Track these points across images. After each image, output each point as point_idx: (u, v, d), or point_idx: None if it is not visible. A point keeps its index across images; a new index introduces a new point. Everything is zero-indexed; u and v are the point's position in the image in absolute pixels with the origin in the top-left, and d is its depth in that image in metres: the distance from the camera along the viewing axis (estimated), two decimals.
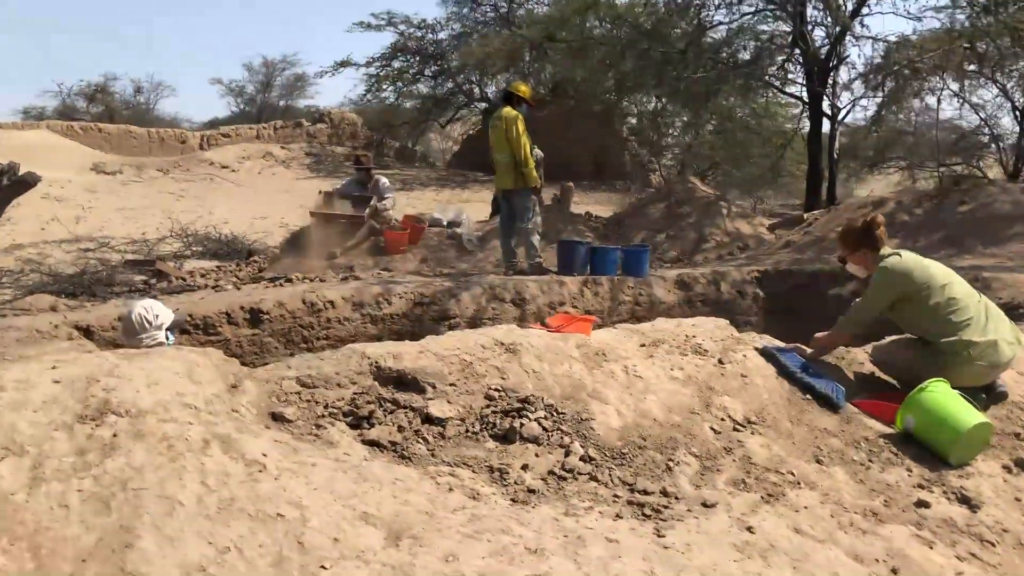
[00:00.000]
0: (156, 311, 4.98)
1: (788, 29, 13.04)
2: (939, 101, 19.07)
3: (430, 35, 28.27)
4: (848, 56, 12.62)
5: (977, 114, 22.43)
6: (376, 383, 4.23)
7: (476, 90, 30.14)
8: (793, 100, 15.71)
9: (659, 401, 4.48)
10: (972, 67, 14.74)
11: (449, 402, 4.18)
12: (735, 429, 4.43)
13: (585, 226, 11.97)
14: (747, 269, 9.85)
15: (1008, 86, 20.28)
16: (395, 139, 31.48)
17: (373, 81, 28.52)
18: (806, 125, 15.64)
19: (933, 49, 12.83)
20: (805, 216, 12.33)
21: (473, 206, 20.21)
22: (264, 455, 3.18)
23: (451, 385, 4.27)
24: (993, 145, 23.58)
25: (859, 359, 5.55)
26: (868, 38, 13.04)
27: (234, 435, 3.33)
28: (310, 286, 8.04)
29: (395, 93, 29.31)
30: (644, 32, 13.58)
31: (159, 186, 22.91)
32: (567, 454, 4.01)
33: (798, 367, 5.04)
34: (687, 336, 5.34)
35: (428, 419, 4.03)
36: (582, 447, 4.03)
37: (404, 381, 4.26)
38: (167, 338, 5.07)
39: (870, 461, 4.39)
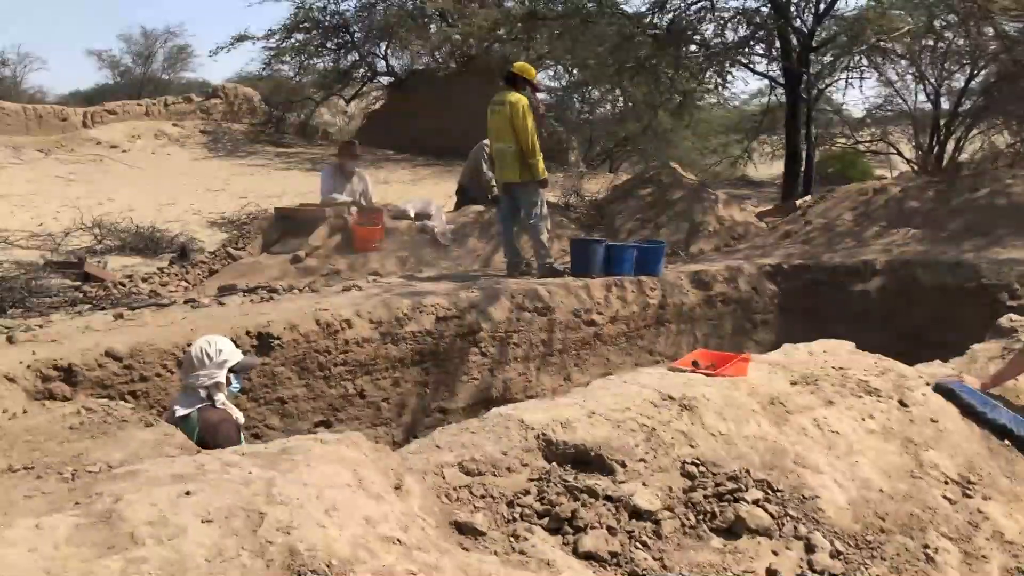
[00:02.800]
0: (220, 346, 4.17)
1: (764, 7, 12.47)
2: (861, 75, 19.00)
3: (332, 5, 26.66)
4: (834, 34, 12.12)
5: (892, 87, 22.71)
6: (553, 464, 3.30)
7: (382, 63, 28.73)
8: (765, 80, 15.23)
9: (872, 465, 3.71)
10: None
11: (645, 484, 3.29)
12: (965, 495, 3.70)
13: (565, 216, 11.12)
14: (759, 263, 9.23)
15: (922, 63, 20.49)
16: (294, 114, 29.73)
17: (272, 55, 26.74)
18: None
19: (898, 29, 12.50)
20: (797, 204, 11.84)
21: (393, 188, 19.08)
22: None
23: (640, 461, 3.37)
24: (908, 123, 23.99)
25: None
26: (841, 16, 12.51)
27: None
28: (309, 299, 6.91)
29: (296, 67, 27.60)
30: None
31: (44, 169, 20.74)
32: (810, 548, 3.20)
33: (982, 405, 4.35)
34: (839, 369, 4.60)
35: (636, 513, 3.14)
36: (825, 538, 3.22)
37: (585, 460, 3.34)
38: (229, 381, 4.21)
39: None
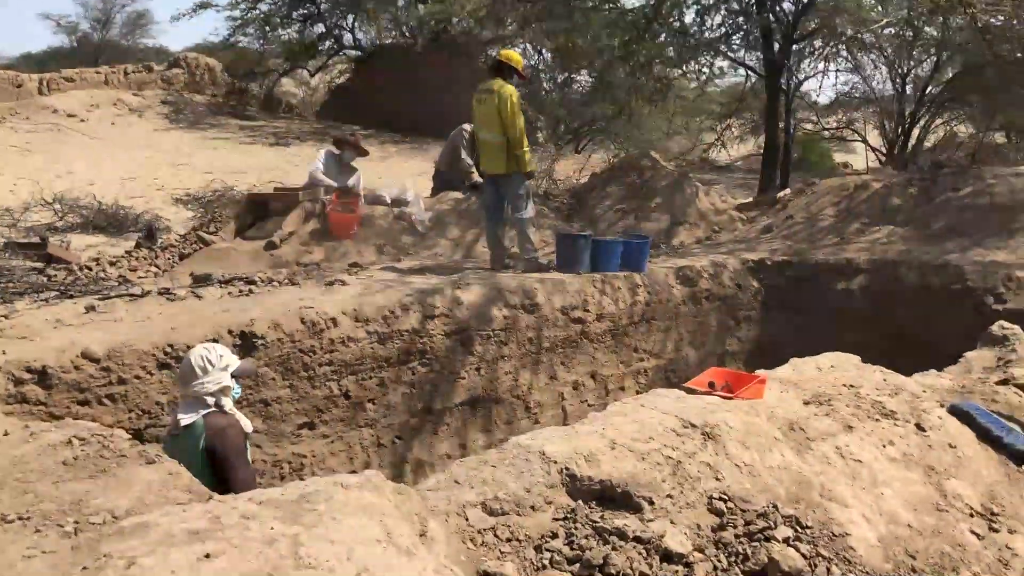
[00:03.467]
0: (220, 351, 3.98)
1: None
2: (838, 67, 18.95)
3: None
4: (818, 26, 12.00)
5: (861, 75, 22.82)
6: (578, 502, 3.14)
7: (348, 36, 28.14)
8: (744, 71, 15.10)
9: (898, 497, 3.61)
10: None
11: (673, 523, 3.15)
12: (992, 529, 3.62)
13: (545, 205, 10.92)
14: (742, 258, 9.13)
15: (891, 53, 20.56)
16: (257, 86, 29.03)
17: (236, 25, 26.05)
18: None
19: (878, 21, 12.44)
20: (778, 197, 11.75)
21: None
22: None
23: (668, 497, 3.23)
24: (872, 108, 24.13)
25: None
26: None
27: None
28: (292, 295, 6.66)
29: (260, 37, 26.91)
30: None
31: None
32: None
33: (999, 429, 4.27)
34: (851, 388, 4.51)
35: (668, 556, 2.99)
36: None
37: (611, 496, 3.19)
38: (232, 385, 3.98)
39: None
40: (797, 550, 3.13)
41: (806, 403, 4.32)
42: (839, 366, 4.94)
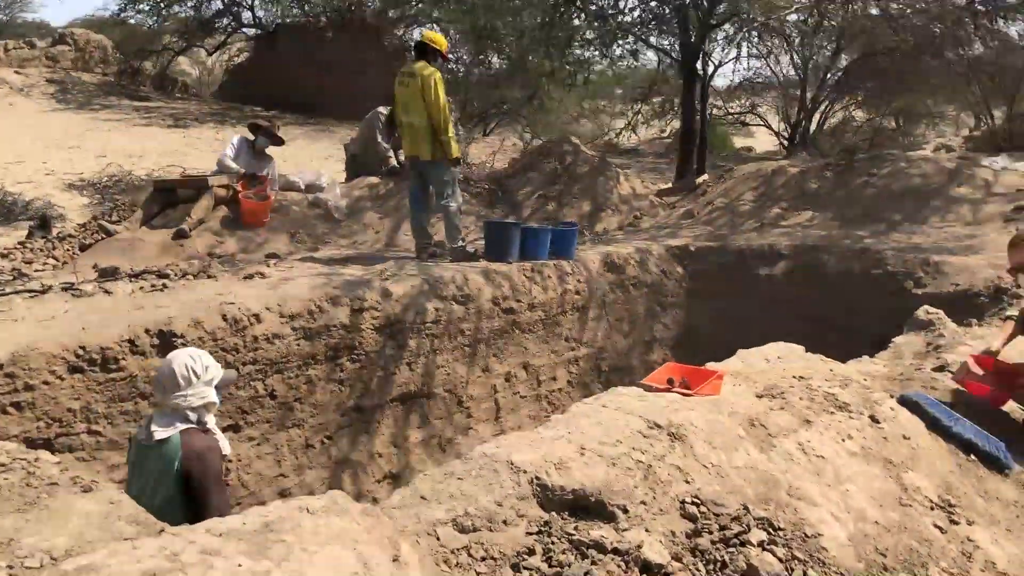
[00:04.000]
0: (205, 361, 3.57)
1: None
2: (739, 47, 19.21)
3: None
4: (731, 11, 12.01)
5: (765, 60, 23.25)
6: (552, 514, 2.98)
7: (248, 14, 27.16)
8: (660, 55, 15.03)
9: (862, 493, 3.57)
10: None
11: (648, 531, 3.03)
12: (952, 521, 3.61)
13: (466, 191, 10.67)
14: (666, 245, 9.10)
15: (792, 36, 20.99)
16: (150, 65, 27.78)
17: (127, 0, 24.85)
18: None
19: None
20: (698, 182, 11.78)
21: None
22: None
23: (641, 504, 3.10)
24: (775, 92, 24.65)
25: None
26: None
27: None
28: (209, 289, 6.28)
29: (153, 14, 25.73)
30: None
31: None
32: None
33: (948, 419, 4.28)
34: (801, 379, 4.47)
35: (647, 568, 2.87)
36: None
37: (585, 506, 3.04)
38: (217, 401, 3.60)
39: None
40: (773, 554, 3.05)
41: (759, 396, 4.26)
42: (786, 357, 4.91)
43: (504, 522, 2.87)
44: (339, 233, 9.60)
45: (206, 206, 9.13)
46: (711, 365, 4.69)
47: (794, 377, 4.51)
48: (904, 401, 4.37)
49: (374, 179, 10.49)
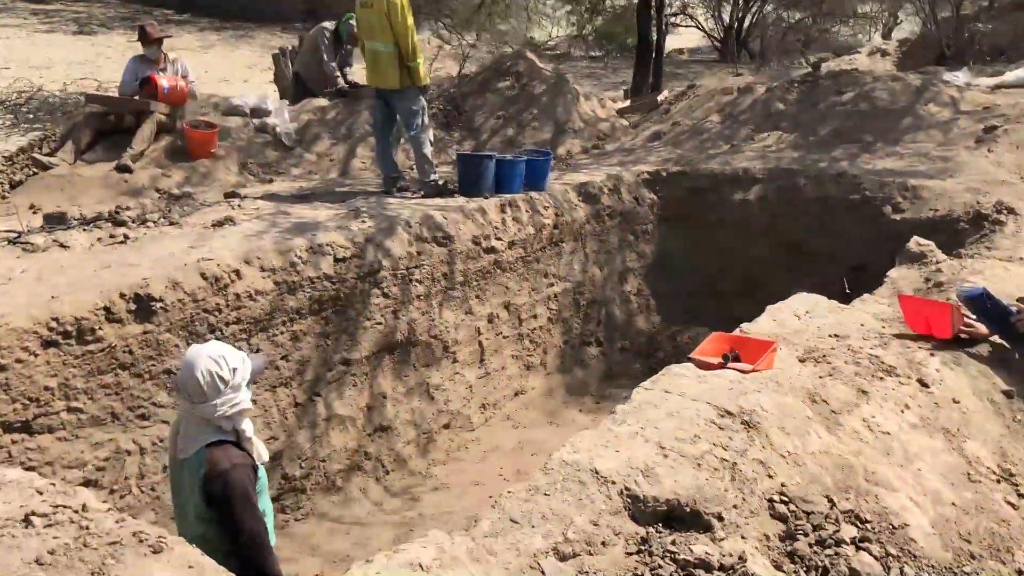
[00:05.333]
0: (232, 361, 3.05)
1: None
2: None
3: None
4: None
5: None
6: (648, 529, 2.78)
7: None
8: None
9: (933, 472, 3.47)
10: None
11: (744, 537, 2.87)
12: (1020, 494, 3.54)
13: None
14: (636, 170, 8.83)
15: None
16: None
17: None
18: None
19: None
20: (659, 100, 11.44)
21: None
22: None
23: (734, 508, 2.93)
24: None
25: None
26: None
27: None
28: (179, 240, 5.79)
29: None
30: None
31: None
32: None
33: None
34: (837, 338, 4.35)
35: None
36: None
37: (680, 516, 2.84)
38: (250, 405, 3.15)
39: None
40: (869, 552, 2.93)
41: (802, 360, 4.11)
42: (813, 310, 4.76)
43: (603, 543, 2.66)
44: (291, 162, 9.05)
45: (148, 135, 8.47)
46: (746, 327, 4.52)
47: (831, 336, 4.38)
48: (968, 297, 4.29)
49: (323, 101, 9.89)
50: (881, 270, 7.55)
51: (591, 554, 2.62)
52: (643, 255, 8.62)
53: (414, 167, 7.94)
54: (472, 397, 6.92)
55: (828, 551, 2.87)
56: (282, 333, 5.70)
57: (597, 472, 2.86)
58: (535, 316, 7.48)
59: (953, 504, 3.32)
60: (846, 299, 5.65)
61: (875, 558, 2.90)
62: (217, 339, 5.34)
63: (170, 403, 5.13)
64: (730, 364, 3.80)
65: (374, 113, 7.73)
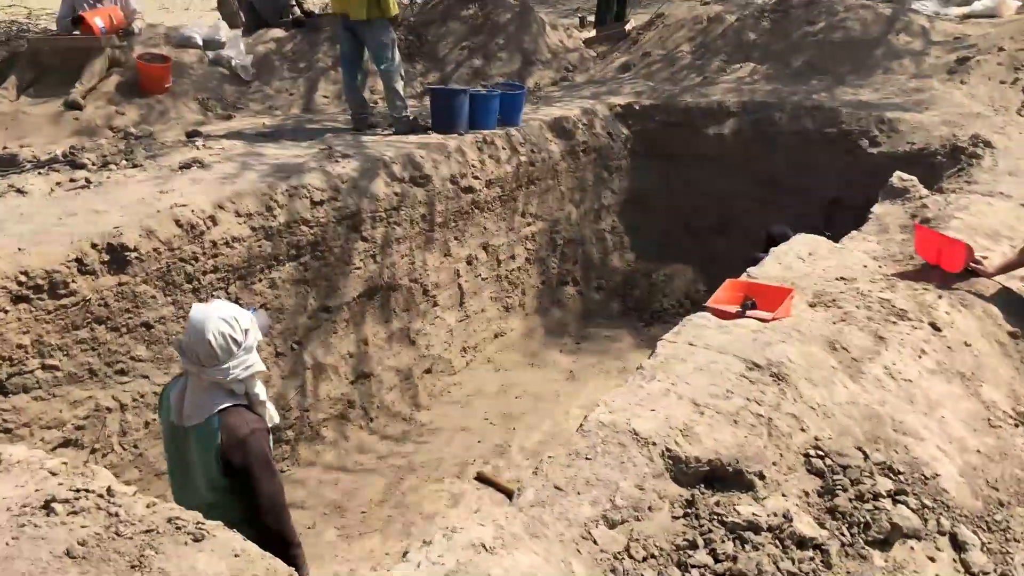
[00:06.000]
0: (243, 323, 2.89)
1: None
2: None
3: None
4: None
5: None
6: (693, 491, 2.70)
7: None
8: None
9: (956, 418, 3.45)
10: None
11: (784, 495, 2.79)
12: None
13: None
14: (608, 103, 8.63)
15: None
16: None
17: None
18: None
19: None
20: (627, 29, 11.14)
21: None
22: None
23: (773, 465, 2.85)
24: None
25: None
26: None
27: None
28: (147, 184, 5.47)
29: None
30: None
31: None
32: (958, 546, 2.90)
33: None
34: (844, 281, 4.30)
35: (801, 543, 2.64)
36: (968, 529, 2.92)
37: (722, 476, 2.76)
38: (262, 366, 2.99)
39: None
40: (907, 506, 2.88)
41: (812, 306, 4.04)
42: (815, 252, 4.68)
43: (649, 508, 2.57)
44: (250, 97, 8.68)
45: (99, 71, 8.02)
46: (754, 271, 4.42)
47: (838, 279, 4.31)
48: None
49: (279, 32, 9.47)
50: (857, 204, 7.53)
51: (638, 519, 2.53)
52: (617, 192, 8.48)
53: (384, 102, 7.64)
54: (453, 341, 6.78)
55: (867, 505, 2.82)
56: (260, 281, 5.47)
57: (636, 433, 2.76)
58: (513, 257, 7.33)
59: (978, 451, 3.30)
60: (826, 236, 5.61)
61: (912, 511, 2.86)
62: (192, 290, 5.13)
63: (149, 357, 4.91)
64: (749, 312, 3.70)
65: (341, 46, 7.39)
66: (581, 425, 2.80)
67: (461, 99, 7.11)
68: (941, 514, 2.93)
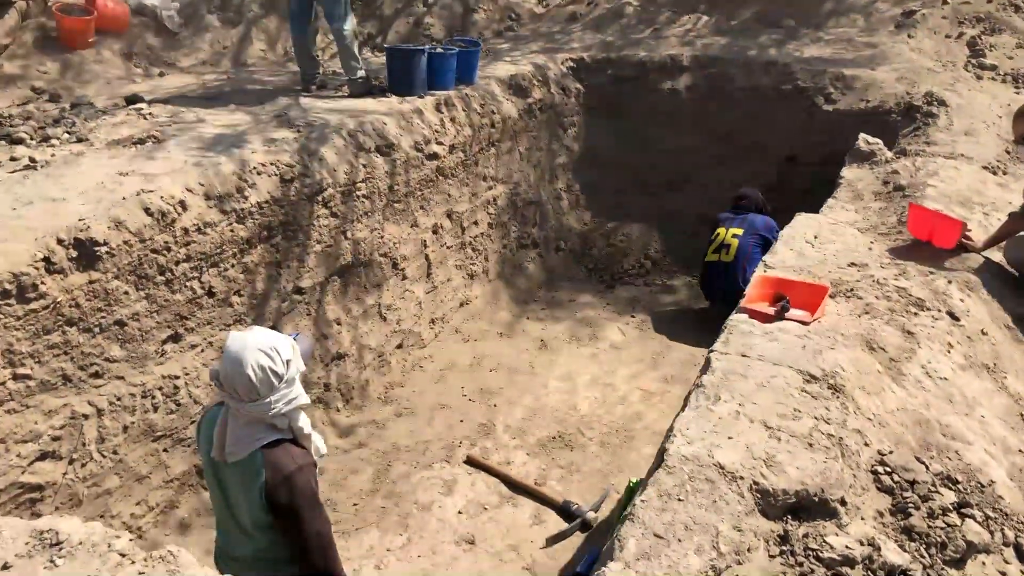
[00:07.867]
0: (284, 353, 2.65)
1: None
2: None
3: None
4: None
5: None
6: (783, 525, 2.64)
7: None
8: None
9: (993, 417, 3.48)
10: None
11: (863, 519, 2.78)
12: None
13: None
14: (560, 59, 8.40)
15: None
16: None
17: None
18: None
19: None
20: None
21: None
22: None
23: (850, 488, 2.82)
24: None
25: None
26: None
27: None
28: (101, 163, 5.03)
29: None
30: None
31: None
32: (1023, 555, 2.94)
33: None
34: (855, 267, 4.31)
35: (891, 573, 2.63)
36: None
37: (807, 506, 2.71)
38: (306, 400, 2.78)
39: None
40: (975, 519, 2.90)
41: (831, 296, 4.01)
42: (820, 234, 4.66)
43: (748, 549, 2.50)
44: (179, 50, 8.14)
45: (13, 26, 7.36)
46: (769, 260, 4.35)
47: (850, 265, 4.30)
48: None
49: None
50: (813, 161, 7.57)
51: (739, 563, 2.46)
52: (571, 150, 8.32)
53: (337, 61, 7.26)
54: (422, 313, 6.59)
55: (939, 523, 2.82)
56: (233, 267, 5.15)
57: (722, 467, 2.67)
58: (476, 223, 7.13)
59: (1020, 451, 3.34)
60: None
61: (979, 524, 2.88)
62: (166, 282, 4.78)
63: (123, 356, 4.58)
64: (788, 315, 3.64)
65: (290, 2, 6.93)
66: (663, 460, 2.70)
67: (418, 58, 6.79)
68: (1004, 524, 2.95)
